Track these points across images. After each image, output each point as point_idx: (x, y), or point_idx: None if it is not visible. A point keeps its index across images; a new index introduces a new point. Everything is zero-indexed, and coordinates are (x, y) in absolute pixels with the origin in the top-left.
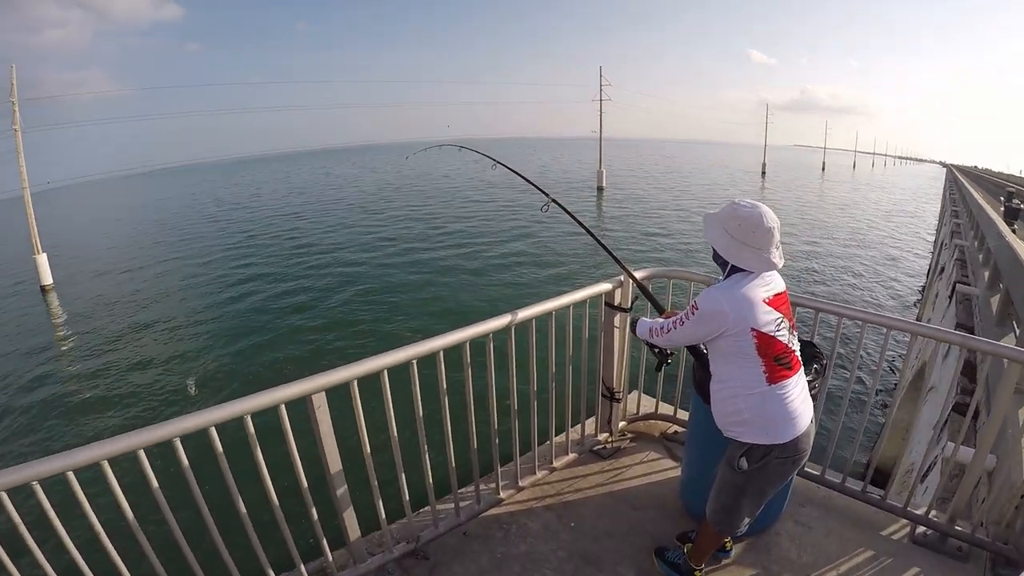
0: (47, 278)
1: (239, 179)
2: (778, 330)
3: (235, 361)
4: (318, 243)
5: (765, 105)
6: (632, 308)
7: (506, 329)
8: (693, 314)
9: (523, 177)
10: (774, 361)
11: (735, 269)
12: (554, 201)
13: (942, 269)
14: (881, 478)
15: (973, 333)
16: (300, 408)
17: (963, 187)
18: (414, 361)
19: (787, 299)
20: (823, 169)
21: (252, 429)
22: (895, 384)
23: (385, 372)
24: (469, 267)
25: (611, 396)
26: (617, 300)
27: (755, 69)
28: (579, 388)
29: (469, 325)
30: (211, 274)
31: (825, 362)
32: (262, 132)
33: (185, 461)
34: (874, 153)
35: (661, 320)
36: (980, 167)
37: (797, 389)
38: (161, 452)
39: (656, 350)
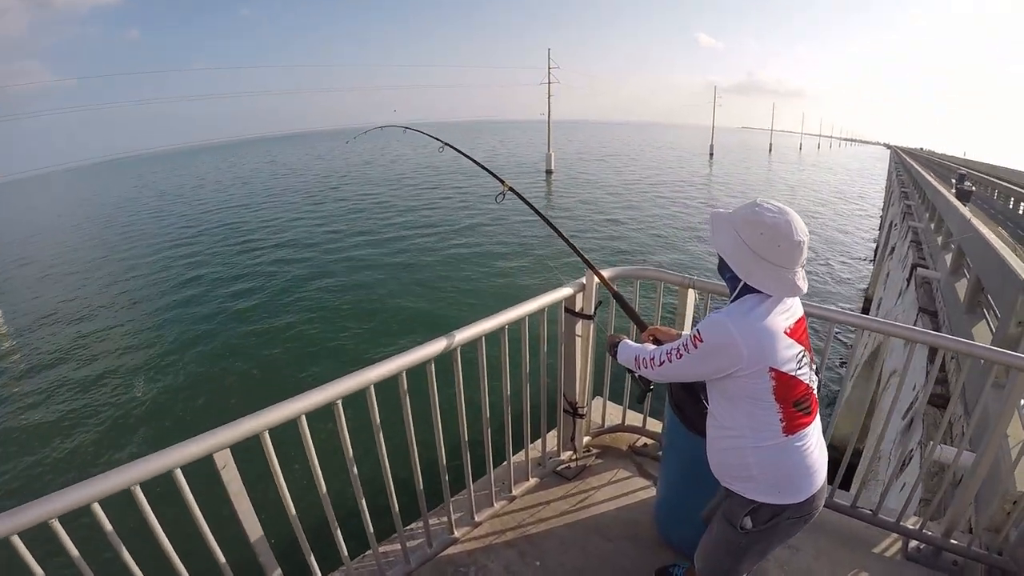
0: None
1: (183, 169)
2: (799, 368)
3: (182, 374)
4: (263, 238)
5: (713, 88)
6: (596, 314)
7: (448, 352)
8: (696, 346)
9: (474, 161)
10: (793, 406)
11: (748, 289)
12: (511, 190)
13: (892, 249)
14: (834, 453)
15: (936, 317)
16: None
17: (912, 169)
18: (339, 402)
19: (806, 325)
20: (770, 151)
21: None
22: (841, 361)
23: (303, 418)
24: (419, 265)
25: (574, 412)
26: (579, 306)
27: (703, 53)
28: (538, 402)
29: (403, 353)
30: (155, 273)
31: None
32: (206, 120)
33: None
34: (820, 135)
35: (651, 347)
36: (924, 149)
37: (815, 437)
38: None
39: (638, 376)
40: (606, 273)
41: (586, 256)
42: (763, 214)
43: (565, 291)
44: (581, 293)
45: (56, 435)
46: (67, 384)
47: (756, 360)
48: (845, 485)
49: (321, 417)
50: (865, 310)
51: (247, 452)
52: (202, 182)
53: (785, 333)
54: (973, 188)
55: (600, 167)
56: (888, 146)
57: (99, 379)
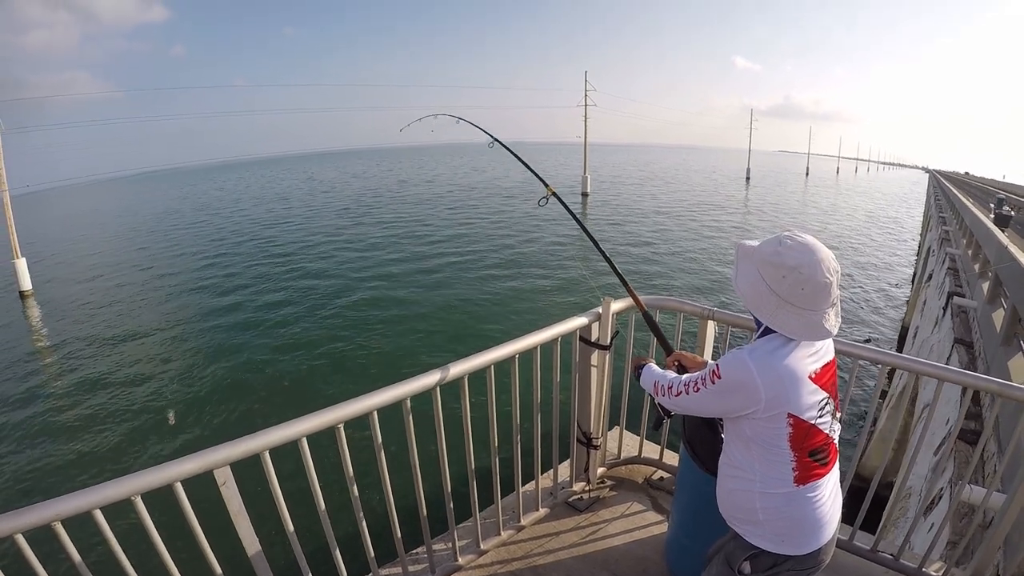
0: (26, 283)
1: (222, 184)
2: (820, 416)
3: (213, 386)
4: (299, 253)
5: (749, 110)
6: (611, 345)
7: (458, 379)
8: (713, 382)
9: (522, 161)
10: (809, 456)
11: (772, 330)
12: (554, 194)
13: (930, 276)
14: (861, 485)
15: (972, 348)
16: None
17: (950, 193)
18: (340, 426)
19: (835, 368)
20: (807, 174)
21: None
22: (882, 391)
23: (304, 440)
24: (451, 284)
25: (588, 442)
26: (594, 335)
27: (740, 75)
28: (550, 431)
29: (409, 380)
30: (193, 284)
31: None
32: (246, 136)
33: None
34: (857, 159)
35: (672, 375)
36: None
37: (829, 488)
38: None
39: (658, 403)
40: (625, 303)
41: (621, 273)
42: (785, 255)
43: (580, 320)
44: (597, 323)
45: (77, 438)
46: (97, 387)
47: (774, 404)
48: (871, 521)
49: (326, 436)
50: (901, 338)
51: (253, 468)
52: (240, 197)
53: (810, 378)
54: (1012, 213)
55: (635, 190)
56: (927, 170)
57: (128, 384)
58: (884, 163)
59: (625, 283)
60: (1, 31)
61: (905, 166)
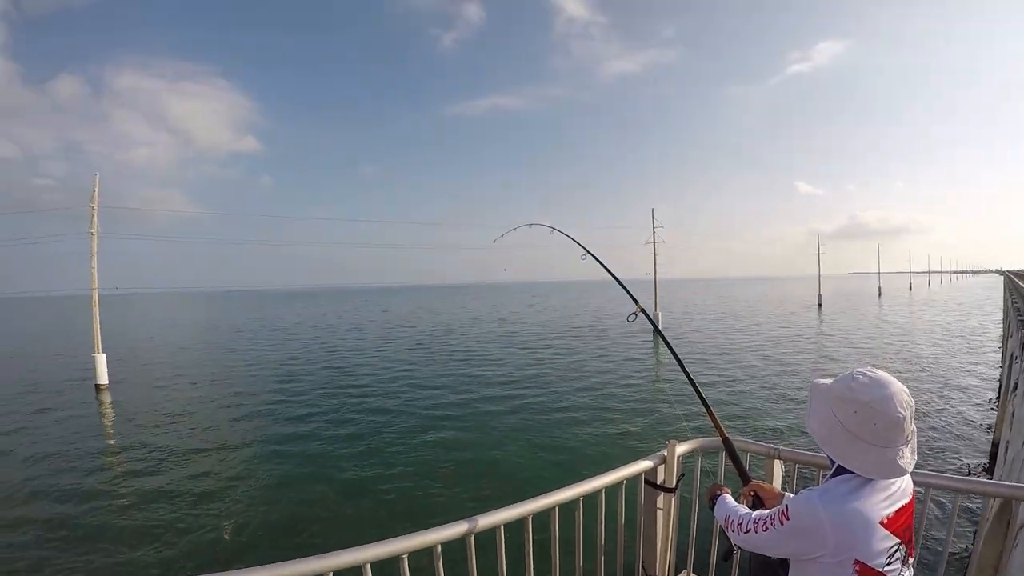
0: (103, 378)
1: (301, 309)
2: (889, 563)
3: (274, 510)
4: (373, 385)
5: (816, 236)
6: (677, 487)
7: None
8: (782, 523)
9: (613, 276)
10: None
11: (846, 469)
12: (642, 311)
13: (1016, 386)
14: None
15: None
16: None
17: None
18: (404, 557)
19: (911, 510)
20: (879, 294)
21: None
22: (970, 511)
23: (368, 567)
24: (526, 423)
25: None
26: (660, 478)
27: (803, 201)
28: (615, 574)
29: (474, 516)
30: (262, 404)
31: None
32: (327, 265)
33: None
34: (929, 271)
35: (743, 511)
36: None
37: None
38: None
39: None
40: (690, 445)
41: (703, 395)
42: (858, 391)
43: (646, 463)
44: (663, 466)
45: (128, 542)
46: (156, 493)
47: (842, 550)
48: None
49: (390, 566)
50: (992, 455)
51: None
52: (317, 324)
53: (881, 523)
54: None
55: (705, 324)
56: (1000, 272)
57: (186, 492)
58: (956, 272)
59: (706, 404)
60: (106, 145)
61: (978, 272)
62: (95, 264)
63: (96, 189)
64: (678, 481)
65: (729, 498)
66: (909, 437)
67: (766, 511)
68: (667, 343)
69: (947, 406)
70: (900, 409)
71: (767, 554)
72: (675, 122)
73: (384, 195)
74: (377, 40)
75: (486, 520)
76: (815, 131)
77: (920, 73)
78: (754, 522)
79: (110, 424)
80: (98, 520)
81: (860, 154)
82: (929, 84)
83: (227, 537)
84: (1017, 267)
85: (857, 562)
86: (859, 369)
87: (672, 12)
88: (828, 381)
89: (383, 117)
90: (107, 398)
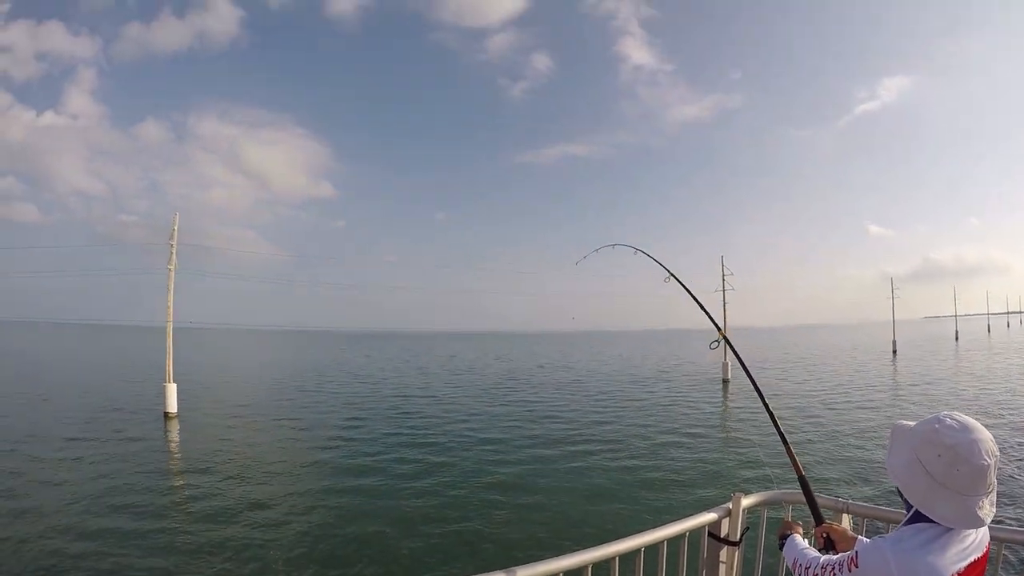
0: (172, 406)
1: (369, 351)
2: None
3: (327, 543)
4: (437, 428)
5: (889, 279)
6: (741, 541)
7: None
8: (850, 570)
9: (697, 301)
10: None
11: (922, 515)
12: (724, 338)
13: None
14: None
15: None
16: None
17: None
18: None
19: (985, 565)
20: (956, 338)
21: None
22: None
23: None
24: (592, 472)
25: None
26: (724, 531)
27: (874, 243)
28: None
29: (529, 564)
30: (326, 442)
31: None
32: (397, 309)
33: None
34: (1007, 312)
35: (812, 554)
36: None
37: None
38: None
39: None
40: (757, 498)
41: (787, 442)
42: (943, 433)
43: (710, 515)
44: (727, 518)
45: (180, 550)
46: (215, 521)
47: None
48: None
49: None
50: None
51: None
52: (385, 367)
53: None
54: None
55: (776, 374)
56: None
57: (245, 524)
58: None
59: (784, 440)
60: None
61: None
62: (171, 298)
63: (176, 227)
64: (742, 535)
65: (799, 539)
66: (991, 489)
67: (835, 556)
68: (748, 373)
69: None
70: (986, 457)
71: None
72: (744, 165)
73: (455, 242)
74: (451, 91)
75: (544, 568)
76: (884, 171)
77: (984, 103)
78: (822, 567)
79: (175, 450)
80: (152, 542)
81: (932, 192)
82: (997, 110)
83: (279, 568)
84: None
85: None
86: (946, 412)
87: (738, 56)
88: (912, 423)
89: (458, 165)
90: (175, 426)
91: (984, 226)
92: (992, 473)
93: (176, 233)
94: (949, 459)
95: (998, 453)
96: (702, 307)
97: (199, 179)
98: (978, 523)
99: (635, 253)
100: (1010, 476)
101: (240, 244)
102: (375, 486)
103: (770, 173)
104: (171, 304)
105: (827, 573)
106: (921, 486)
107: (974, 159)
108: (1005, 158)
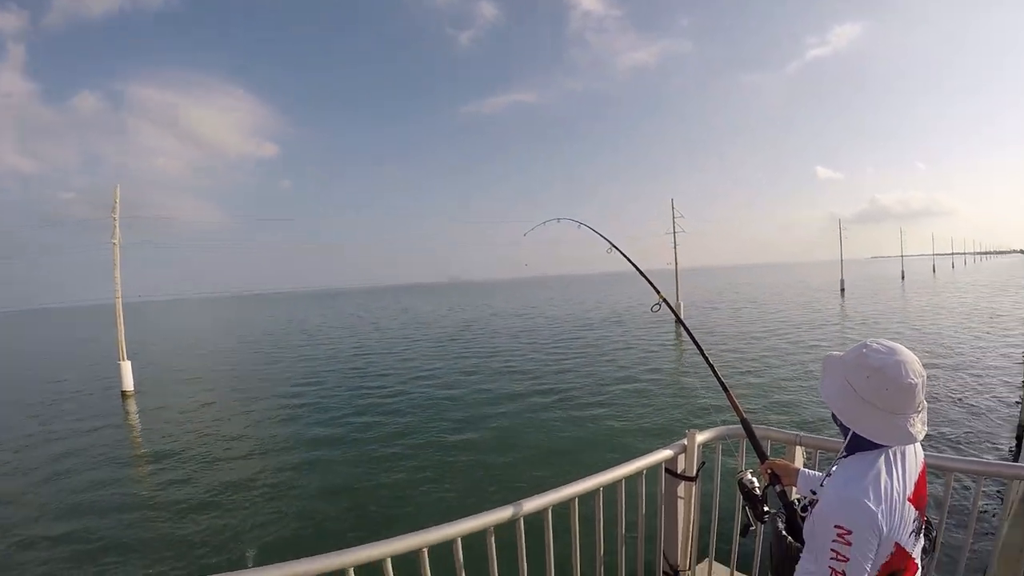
0: (129, 384)
1: (324, 311)
2: (909, 536)
3: (296, 514)
4: (394, 383)
5: (836, 220)
6: (698, 476)
7: (539, 512)
8: (849, 545)
9: (637, 268)
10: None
11: (862, 443)
12: (664, 301)
13: None
14: None
15: None
16: None
17: None
18: (425, 550)
19: (925, 480)
20: (902, 277)
21: None
22: (999, 494)
23: (389, 562)
24: (542, 418)
25: (674, 574)
26: (680, 467)
27: (822, 186)
28: (634, 568)
29: (491, 511)
30: (291, 404)
31: (935, 535)
32: (348, 266)
33: None
34: (952, 253)
35: None
36: None
37: None
38: None
39: (747, 505)
40: (710, 433)
41: (727, 387)
42: (869, 356)
43: (665, 452)
44: (683, 454)
45: (149, 550)
46: (179, 496)
47: (888, 540)
48: None
49: (409, 562)
50: (1019, 437)
51: None
52: (342, 324)
53: (908, 499)
54: None
55: (727, 314)
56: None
57: (210, 499)
58: (980, 253)
59: (724, 386)
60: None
61: (1002, 252)
62: (118, 274)
63: (117, 200)
64: (698, 470)
65: None
66: (919, 407)
67: (826, 553)
68: (687, 330)
69: (972, 389)
70: (912, 376)
71: None
72: (692, 112)
73: (407, 195)
74: (395, 40)
75: (505, 513)
76: (834, 116)
77: (940, 51)
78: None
79: (136, 430)
80: (120, 522)
81: (879, 137)
82: (953, 64)
83: (249, 564)
84: None
85: (896, 544)
86: (870, 340)
87: (688, 2)
88: (839, 353)
89: (407, 116)
90: (132, 404)
91: (930, 171)
92: (920, 392)
93: (118, 206)
94: (877, 380)
95: (924, 374)
96: (641, 273)
97: (140, 149)
98: (910, 439)
99: (579, 227)
100: (956, 410)
101: (186, 212)
102: (340, 446)
103: (720, 119)
104: (119, 279)
105: (834, 574)
106: (854, 408)
107: (923, 107)
108: (953, 106)
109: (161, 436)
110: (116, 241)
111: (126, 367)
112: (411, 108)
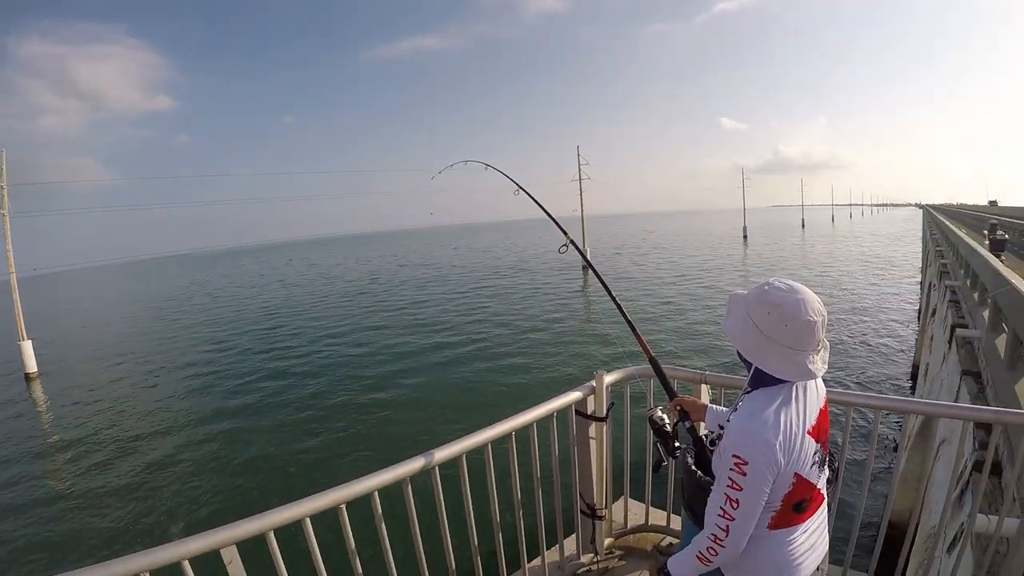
0: (32, 366)
1: (228, 270)
2: (812, 467)
3: (219, 471)
4: (304, 338)
5: (740, 170)
6: (608, 416)
7: (453, 460)
8: (743, 475)
9: (544, 210)
10: (791, 508)
11: (764, 378)
12: (572, 242)
13: (934, 311)
14: (897, 533)
15: (980, 378)
16: None
17: (943, 225)
18: (343, 506)
19: (827, 413)
20: (803, 226)
21: None
22: (898, 426)
23: (308, 520)
24: (456, 361)
25: (592, 513)
26: (590, 408)
27: (728, 136)
28: (553, 506)
29: (406, 461)
30: (201, 372)
31: (837, 465)
32: (253, 222)
33: None
34: (851, 204)
35: (703, 537)
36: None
37: (808, 532)
38: None
39: (658, 442)
40: (618, 374)
41: (635, 327)
42: (771, 293)
43: (575, 394)
44: (592, 396)
45: (78, 520)
46: (98, 469)
47: (788, 472)
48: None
49: (329, 517)
50: (913, 376)
51: (259, 548)
52: (245, 283)
53: (808, 433)
54: (1007, 236)
55: (633, 259)
56: (920, 206)
57: (131, 470)
58: (877, 205)
59: (632, 326)
60: (12, 118)
61: (899, 205)
62: (10, 247)
63: (3, 166)
64: (608, 410)
65: (679, 554)
66: (819, 346)
67: (718, 495)
68: (595, 272)
69: (870, 331)
70: (812, 315)
71: (754, 521)
72: (601, 60)
73: (306, 146)
74: None
75: (417, 463)
76: (738, 68)
77: (849, 9)
78: (720, 514)
79: (44, 412)
80: (40, 513)
81: (784, 91)
82: (861, 21)
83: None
84: (935, 200)
85: (796, 475)
86: (772, 279)
87: None
88: (742, 291)
89: (303, 62)
90: (38, 386)
91: (831, 125)
92: (820, 331)
93: (4, 173)
94: (778, 316)
95: (825, 313)
96: (548, 215)
97: (26, 108)
98: (810, 375)
99: (486, 169)
100: (856, 349)
101: (80, 174)
102: (255, 413)
103: (629, 66)
104: (10, 253)
105: (730, 509)
106: (755, 343)
107: (826, 61)
108: (853, 63)
109: (72, 419)
110: (4, 212)
111: (27, 347)
112: (309, 54)
